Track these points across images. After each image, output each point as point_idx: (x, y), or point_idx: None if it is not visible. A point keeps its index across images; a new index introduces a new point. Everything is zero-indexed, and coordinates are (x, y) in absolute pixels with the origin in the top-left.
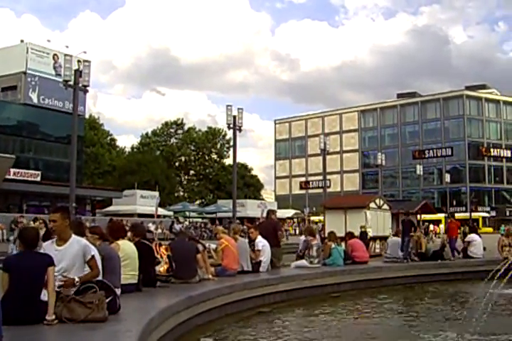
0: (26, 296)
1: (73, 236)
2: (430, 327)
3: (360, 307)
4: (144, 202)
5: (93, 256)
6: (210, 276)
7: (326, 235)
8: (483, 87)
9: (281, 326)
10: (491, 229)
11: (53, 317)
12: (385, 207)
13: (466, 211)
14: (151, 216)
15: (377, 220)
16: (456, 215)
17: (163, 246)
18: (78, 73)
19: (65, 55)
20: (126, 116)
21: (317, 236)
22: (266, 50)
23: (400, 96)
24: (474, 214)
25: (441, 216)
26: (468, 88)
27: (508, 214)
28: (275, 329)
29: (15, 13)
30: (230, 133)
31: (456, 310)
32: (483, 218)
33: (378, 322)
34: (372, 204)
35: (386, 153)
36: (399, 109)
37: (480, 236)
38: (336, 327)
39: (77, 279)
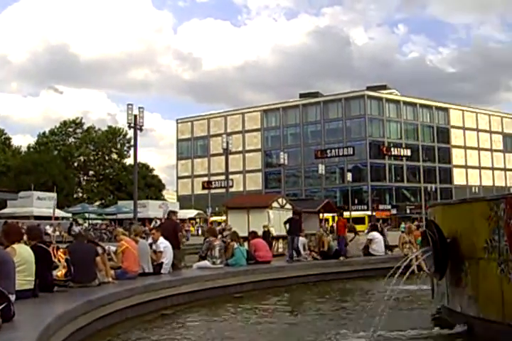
0: None
1: None
2: (331, 324)
3: (262, 307)
4: (40, 203)
5: None
6: (110, 279)
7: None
8: (384, 87)
9: (184, 328)
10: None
11: None
12: (288, 206)
13: (367, 209)
14: (48, 218)
15: (280, 219)
16: (358, 213)
17: (61, 250)
18: None
19: None
20: (22, 115)
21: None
22: (168, 48)
23: (302, 96)
24: (360, 213)
25: (328, 215)
26: (369, 88)
27: (408, 211)
28: (177, 331)
29: None
30: (130, 133)
31: (358, 308)
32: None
33: (280, 321)
34: (274, 204)
35: (289, 152)
36: (301, 108)
37: (382, 234)
38: (238, 327)
39: None
